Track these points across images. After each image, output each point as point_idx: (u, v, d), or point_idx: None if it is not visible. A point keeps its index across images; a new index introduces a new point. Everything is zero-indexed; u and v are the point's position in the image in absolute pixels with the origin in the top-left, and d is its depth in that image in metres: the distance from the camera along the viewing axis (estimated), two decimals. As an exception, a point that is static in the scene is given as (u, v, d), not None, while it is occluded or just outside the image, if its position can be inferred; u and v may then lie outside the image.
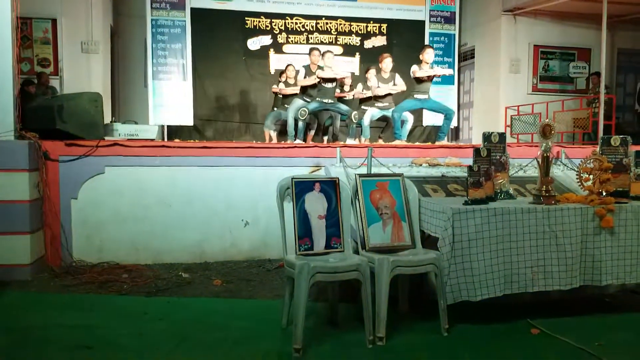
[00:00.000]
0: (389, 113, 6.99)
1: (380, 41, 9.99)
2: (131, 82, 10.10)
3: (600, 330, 3.04)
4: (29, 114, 4.47)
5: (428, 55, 6.51)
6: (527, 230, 3.04)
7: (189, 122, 9.25)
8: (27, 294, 3.67)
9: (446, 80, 9.92)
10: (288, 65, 7.72)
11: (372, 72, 7.33)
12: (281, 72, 7.95)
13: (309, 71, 6.75)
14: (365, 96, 7.40)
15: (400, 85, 7.04)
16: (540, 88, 10.02)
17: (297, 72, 7.24)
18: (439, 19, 10.09)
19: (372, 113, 7.20)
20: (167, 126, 9.31)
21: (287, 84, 7.69)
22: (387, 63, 7.03)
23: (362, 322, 2.78)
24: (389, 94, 7.10)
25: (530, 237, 3.04)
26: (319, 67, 6.68)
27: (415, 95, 6.58)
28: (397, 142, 6.33)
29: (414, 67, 6.45)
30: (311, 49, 7.03)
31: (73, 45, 8.51)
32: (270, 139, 7.92)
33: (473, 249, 2.96)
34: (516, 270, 3.02)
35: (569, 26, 9.87)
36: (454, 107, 10.27)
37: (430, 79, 6.55)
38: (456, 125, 10.68)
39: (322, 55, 6.79)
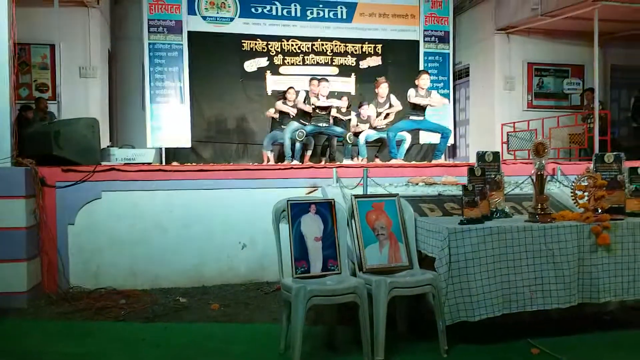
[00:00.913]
0: (385, 135, 7.05)
1: (375, 61, 10.07)
2: (129, 106, 10.15)
3: (600, 349, 3.03)
4: (25, 140, 4.49)
5: (424, 81, 6.60)
6: (524, 249, 3.04)
7: (187, 144, 9.27)
8: (24, 321, 3.64)
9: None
10: (289, 87, 7.76)
11: (365, 109, 7.55)
12: (283, 93, 7.97)
13: (307, 98, 6.95)
14: (360, 130, 7.49)
15: (396, 106, 7.14)
16: (536, 104, 10.08)
17: (298, 93, 7.34)
18: (433, 38, 10.20)
19: (367, 134, 7.27)
20: (165, 148, 9.33)
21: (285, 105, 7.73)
22: (383, 88, 7.16)
23: (360, 345, 2.77)
24: (388, 119, 7.22)
25: (527, 255, 3.04)
26: (316, 96, 6.89)
27: (411, 117, 6.64)
28: (393, 162, 6.36)
29: (411, 92, 6.53)
30: (311, 79, 7.33)
31: (71, 70, 8.57)
32: (268, 160, 7.94)
33: (470, 269, 2.95)
34: (514, 289, 3.01)
35: (562, 44, 9.98)
36: (450, 125, 10.34)
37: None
38: (453, 142, 10.71)
39: (319, 83, 6.95)
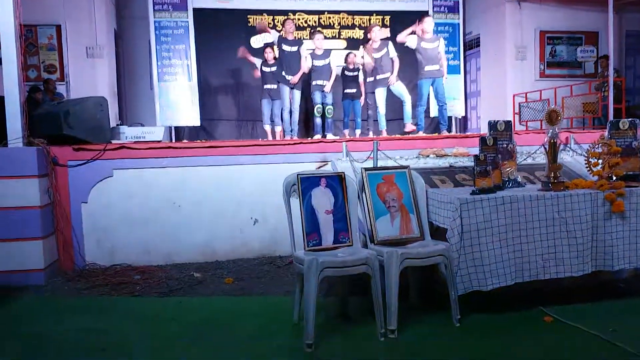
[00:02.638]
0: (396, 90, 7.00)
1: (383, 33, 9.90)
2: (137, 85, 10.14)
3: (614, 316, 3.02)
4: (36, 120, 4.51)
5: (428, 24, 6.80)
6: (537, 217, 3.01)
7: (196, 122, 9.27)
8: (42, 298, 3.72)
9: (452, 69, 9.83)
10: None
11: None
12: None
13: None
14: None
15: (395, 58, 7.14)
16: (548, 74, 9.90)
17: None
18: (442, 8, 9.99)
19: (384, 94, 7.14)
20: (175, 127, 9.34)
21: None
22: (375, 32, 7.05)
23: (373, 316, 2.78)
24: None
25: (540, 224, 3.02)
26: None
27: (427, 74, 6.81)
28: (421, 134, 6.45)
29: (411, 38, 6.73)
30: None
31: (78, 51, 8.55)
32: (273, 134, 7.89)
33: (482, 239, 2.94)
34: (527, 258, 3.00)
35: (575, 10, 9.73)
36: (461, 97, 10.22)
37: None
38: (464, 114, 10.60)
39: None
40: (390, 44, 7.18)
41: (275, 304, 3.41)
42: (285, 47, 7.23)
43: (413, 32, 6.88)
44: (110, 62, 9.10)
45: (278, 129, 7.82)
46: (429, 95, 7.15)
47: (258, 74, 7.64)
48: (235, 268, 4.35)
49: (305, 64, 7.31)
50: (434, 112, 9.84)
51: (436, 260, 2.90)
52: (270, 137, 7.67)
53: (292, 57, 7.23)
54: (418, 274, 3.26)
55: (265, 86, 7.60)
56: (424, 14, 9.81)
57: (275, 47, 7.58)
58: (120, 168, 4.44)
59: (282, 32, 7.28)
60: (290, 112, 7.33)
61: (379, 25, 7.21)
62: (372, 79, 7.30)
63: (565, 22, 9.80)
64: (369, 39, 7.23)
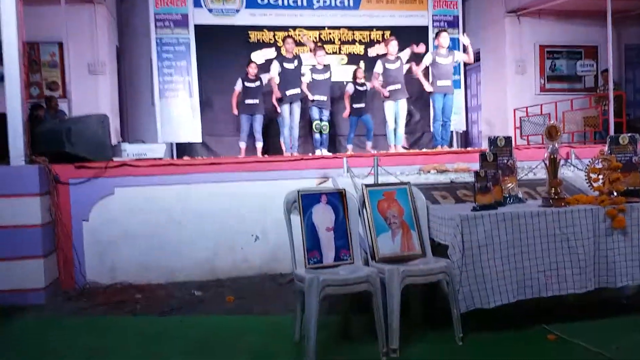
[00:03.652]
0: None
1: (383, 48, 9.99)
2: (139, 101, 10.20)
3: (617, 333, 2.99)
4: (38, 138, 4.53)
5: (444, 39, 6.89)
6: (538, 234, 3.00)
7: (198, 138, 9.30)
8: (43, 317, 3.70)
9: (453, 84, 9.87)
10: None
11: (379, 64, 7.32)
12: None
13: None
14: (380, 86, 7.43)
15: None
16: (548, 88, 9.94)
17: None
18: (442, 23, 10.06)
19: (393, 109, 7.13)
20: (176, 143, 9.37)
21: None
22: (393, 46, 7.09)
23: (375, 334, 2.76)
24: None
25: (542, 240, 3.00)
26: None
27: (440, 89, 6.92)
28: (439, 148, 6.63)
29: (427, 57, 6.90)
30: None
31: (80, 68, 8.61)
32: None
33: (484, 255, 2.93)
34: (529, 275, 2.98)
35: (574, 24, 9.80)
36: (462, 111, 10.25)
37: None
38: (465, 129, 10.62)
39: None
40: (405, 53, 7.29)
41: (276, 323, 3.39)
42: (286, 65, 7.28)
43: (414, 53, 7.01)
44: (112, 78, 9.17)
45: (259, 145, 7.86)
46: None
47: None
48: (236, 286, 4.33)
49: (304, 80, 7.39)
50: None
51: (438, 277, 2.89)
52: (243, 155, 7.72)
53: (292, 74, 7.28)
54: (420, 292, 3.24)
55: (247, 101, 7.72)
56: (425, 28, 9.95)
57: (255, 64, 7.78)
58: (121, 186, 4.45)
59: (281, 49, 7.35)
60: (291, 128, 7.37)
61: (396, 39, 7.25)
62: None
63: (565, 37, 9.87)
64: (385, 53, 7.28)
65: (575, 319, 3.18)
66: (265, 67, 8.66)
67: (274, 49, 9.58)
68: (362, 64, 9.66)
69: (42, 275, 4.01)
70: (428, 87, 6.97)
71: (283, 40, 7.56)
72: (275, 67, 7.33)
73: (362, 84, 7.72)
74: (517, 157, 3.60)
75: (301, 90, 7.38)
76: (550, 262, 3.00)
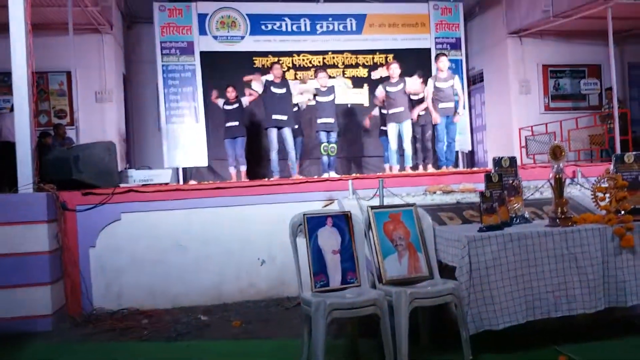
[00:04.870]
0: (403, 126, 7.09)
1: (387, 71, 10.10)
2: (145, 127, 10.32)
3: (629, 353, 2.95)
4: (46, 165, 4.58)
5: (442, 63, 7.01)
6: (546, 254, 2.98)
7: (204, 163, 9.36)
8: (50, 344, 3.68)
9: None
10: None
11: (380, 89, 7.37)
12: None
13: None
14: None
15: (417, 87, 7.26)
16: (553, 107, 9.96)
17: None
18: (444, 45, 10.16)
19: (395, 131, 7.15)
20: (183, 168, 9.43)
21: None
22: (394, 69, 7.15)
23: (383, 357, 2.73)
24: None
25: (550, 260, 2.98)
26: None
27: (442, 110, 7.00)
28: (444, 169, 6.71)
29: (429, 83, 6.98)
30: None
31: (87, 96, 8.75)
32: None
33: (492, 277, 2.91)
34: (537, 295, 2.95)
35: (577, 44, 9.87)
36: (467, 131, 10.27)
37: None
38: (470, 149, 10.63)
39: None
40: (407, 78, 7.30)
41: (283, 347, 3.36)
42: (275, 90, 7.31)
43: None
44: (119, 105, 9.30)
45: (243, 168, 7.90)
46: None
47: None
48: (242, 310, 4.31)
49: (303, 100, 7.46)
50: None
51: (446, 299, 2.86)
52: (234, 179, 7.74)
53: (282, 99, 7.32)
54: (428, 314, 3.21)
55: (227, 124, 7.85)
56: (427, 51, 10.05)
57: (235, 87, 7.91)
58: (128, 211, 4.47)
59: (270, 75, 7.42)
60: (287, 152, 7.37)
61: (397, 63, 7.32)
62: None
63: (567, 56, 9.93)
64: (388, 76, 7.34)
65: (586, 339, 3.13)
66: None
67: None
68: (365, 87, 9.79)
69: (49, 302, 4.01)
70: (436, 119, 6.99)
71: (271, 66, 7.62)
72: (259, 85, 7.42)
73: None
74: (523, 177, 3.60)
75: (293, 116, 7.44)
76: (559, 282, 2.97)
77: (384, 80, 7.40)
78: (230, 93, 7.89)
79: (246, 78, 7.84)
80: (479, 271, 2.89)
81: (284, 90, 7.33)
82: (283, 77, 7.59)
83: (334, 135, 7.44)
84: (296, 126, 8.05)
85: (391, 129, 7.12)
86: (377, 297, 2.76)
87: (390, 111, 7.12)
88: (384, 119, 7.65)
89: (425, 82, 7.27)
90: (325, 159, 7.40)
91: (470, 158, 10.95)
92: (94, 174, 4.59)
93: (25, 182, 4.25)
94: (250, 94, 7.67)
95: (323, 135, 7.35)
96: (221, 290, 4.58)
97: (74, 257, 4.35)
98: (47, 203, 4.13)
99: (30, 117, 4.34)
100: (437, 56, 7.41)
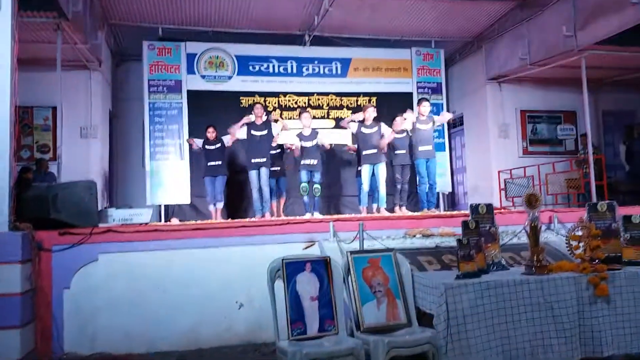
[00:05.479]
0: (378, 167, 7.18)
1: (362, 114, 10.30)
2: (129, 163, 10.29)
3: (607, 406, 2.93)
4: (24, 203, 4.51)
5: (424, 108, 7.33)
6: (522, 302, 3.01)
7: (186, 200, 9.32)
8: (16, 391, 3.56)
9: (437, 146, 10.11)
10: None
11: (353, 125, 7.56)
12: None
13: None
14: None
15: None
16: (531, 151, 10.20)
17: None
18: (426, 89, 10.42)
19: (368, 172, 7.25)
20: (165, 205, 9.37)
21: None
22: (370, 112, 7.29)
23: (359, 409, 2.69)
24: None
25: (526, 309, 3.01)
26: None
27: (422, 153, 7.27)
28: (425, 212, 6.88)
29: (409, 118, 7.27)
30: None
31: (72, 131, 8.69)
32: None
33: (469, 325, 2.92)
34: (514, 345, 2.96)
35: (553, 91, 10.20)
36: (447, 173, 10.42)
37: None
38: (450, 190, 10.76)
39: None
40: (382, 123, 7.48)
41: (259, 396, 3.29)
42: (255, 132, 7.43)
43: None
44: (103, 141, 9.28)
45: (219, 205, 7.98)
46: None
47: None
48: (218, 356, 4.21)
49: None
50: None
51: (423, 348, 2.86)
52: (215, 218, 7.87)
53: (261, 141, 7.45)
54: (406, 362, 3.18)
55: (209, 163, 7.97)
56: (409, 95, 10.28)
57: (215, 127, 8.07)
58: (105, 252, 4.40)
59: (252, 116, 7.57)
60: (259, 189, 7.44)
61: (374, 106, 7.51)
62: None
63: (544, 102, 10.25)
64: (363, 119, 7.47)
65: (563, 390, 3.12)
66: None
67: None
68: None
69: (17, 346, 3.86)
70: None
71: (252, 107, 7.76)
72: (242, 131, 7.53)
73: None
74: (501, 222, 3.66)
75: (270, 158, 7.60)
76: (535, 331, 2.99)
77: (360, 122, 7.52)
78: (211, 133, 8.01)
79: (231, 130, 7.90)
80: (456, 319, 2.90)
81: (265, 132, 7.43)
82: (265, 118, 7.68)
83: (317, 176, 7.49)
84: (278, 168, 8.15)
85: (364, 170, 7.23)
86: (354, 346, 2.75)
87: (364, 152, 7.24)
88: (360, 160, 7.76)
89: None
90: (305, 199, 7.41)
91: (451, 199, 11.07)
92: (72, 214, 4.52)
93: (1, 221, 4.17)
94: (232, 135, 7.73)
95: (304, 174, 7.41)
96: (199, 334, 4.47)
97: (47, 299, 4.23)
98: (22, 243, 4.05)
99: (11, 155, 4.28)
100: (419, 100, 7.64)
